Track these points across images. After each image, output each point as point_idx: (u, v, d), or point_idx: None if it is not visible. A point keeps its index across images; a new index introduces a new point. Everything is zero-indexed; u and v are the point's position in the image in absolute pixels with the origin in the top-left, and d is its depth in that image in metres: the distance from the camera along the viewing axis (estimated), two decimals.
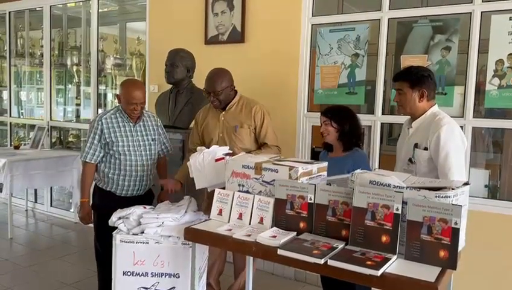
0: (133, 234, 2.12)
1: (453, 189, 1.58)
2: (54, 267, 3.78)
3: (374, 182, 1.67)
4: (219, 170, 2.33)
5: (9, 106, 5.94)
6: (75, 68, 5.56)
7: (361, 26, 3.29)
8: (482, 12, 2.88)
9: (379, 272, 1.45)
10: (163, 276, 2.12)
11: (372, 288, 1.61)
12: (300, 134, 3.52)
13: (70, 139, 5.76)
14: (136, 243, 2.10)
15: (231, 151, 2.51)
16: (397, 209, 1.57)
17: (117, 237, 2.12)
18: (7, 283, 3.42)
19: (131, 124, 2.70)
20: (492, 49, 2.88)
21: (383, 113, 3.27)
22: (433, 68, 2.95)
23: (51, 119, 5.42)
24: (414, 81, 2.29)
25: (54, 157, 4.80)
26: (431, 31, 3.06)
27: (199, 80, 3.33)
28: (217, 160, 2.37)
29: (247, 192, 1.98)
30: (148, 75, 4.37)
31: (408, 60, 3.06)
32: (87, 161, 2.67)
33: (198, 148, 2.47)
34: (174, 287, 2.13)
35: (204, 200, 2.77)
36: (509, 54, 2.83)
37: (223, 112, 2.78)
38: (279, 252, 1.64)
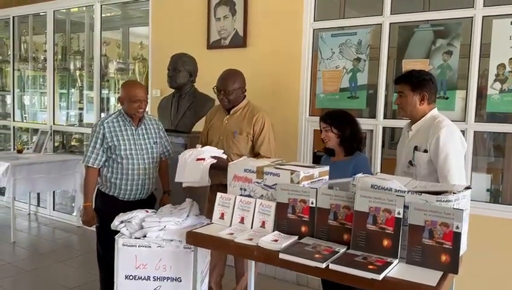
0: (135, 238, 2.12)
1: (454, 193, 1.58)
2: (56, 271, 3.79)
3: (376, 186, 1.68)
4: (195, 170, 2.38)
5: (12, 110, 5.97)
6: (78, 72, 5.59)
7: (363, 31, 3.30)
8: (483, 16, 2.88)
9: (381, 276, 1.45)
10: (165, 280, 2.13)
11: None
12: (302, 138, 3.53)
13: (73, 143, 5.78)
14: (138, 246, 2.11)
15: (220, 155, 2.52)
16: (399, 214, 1.58)
17: (119, 241, 2.13)
18: (10, 287, 3.43)
19: (133, 127, 2.71)
20: (493, 54, 2.88)
21: (384, 117, 3.27)
22: (435, 72, 2.95)
23: (54, 124, 5.44)
24: (415, 84, 2.31)
25: (57, 161, 4.81)
26: (432, 36, 3.06)
27: (201, 85, 3.35)
28: (197, 159, 2.40)
29: (249, 196, 1.98)
30: (150, 79, 4.39)
31: (410, 65, 3.06)
32: (89, 165, 2.67)
33: (197, 145, 2.53)
34: None
35: (206, 204, 2.78)
36: (510, 59, 2.83)
37: (227, 116, 2.79)
38: (281, 256, 1.64)
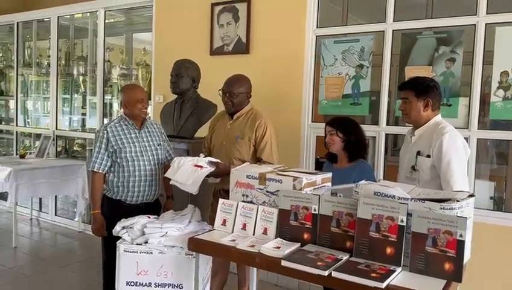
0: (137, 244, 2.11)
1: (458, 201, 1.57)
2: (58, 276, 3.77)
3: (379, 193, 1.67)
4: (189, 172, 2.37)
5: (15, 114, 5.99)
6: (81, 78, 5.61)
7: (366, 38, 3.31)
8: (486, 24, 2.89)
9: (384, 285, 1.44)
10: (167, 286, 2.11)
11: None
12: (304, 144, 3.53)
13: (75, 149, 5.79)
14: (140, 253, 2.10)
15: (219, 161, 2.52)
16: (402, 221, 1.57)
17: (121, 247, 2.12)
18: None
19: (136, 130, 2.72)
20: (496, 61, 2.88)
21: (387, 124, 3.27)
22: (438, 79, 2.94)
23: (56, 129, 5.46)
24: (420, 90, 2.33)
25: (59, 166, 4.81)
26: (435, 43, 3.07)
27: (204, 91, 3.36)
28: (196, 165, 2.39)
29: (251, 202, 1.98)
30: (153, 85, 4.40)
31: (412, 71, 3.06)
32: (95, 170, 2.67)
33: (201, 154, 2.54)
34: None
35: (208, 210, 2.77)
36: None
37: (230, 121, 2.80)
38: (283, 263, 1.63)
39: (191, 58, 3.40)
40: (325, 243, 1.75)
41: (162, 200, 2.88)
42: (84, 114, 5.78)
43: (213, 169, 2.47)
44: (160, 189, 2.82)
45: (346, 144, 2.58)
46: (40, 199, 5.56)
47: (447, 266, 1.49)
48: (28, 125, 6.12)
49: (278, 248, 1.74)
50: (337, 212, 1.74)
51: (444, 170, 2.21)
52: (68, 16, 5.53)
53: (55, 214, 5.43)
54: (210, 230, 2.04)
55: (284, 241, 1.81)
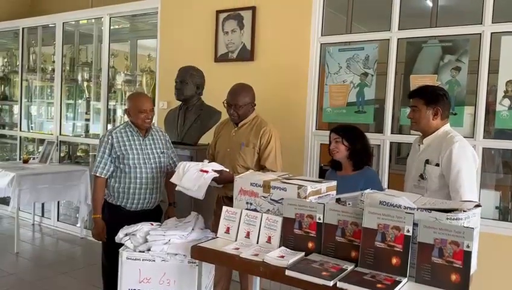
0: (140, 251, 2.10)
1: (464, 211, 1.56)
2: (59, 282, 3.76)
3: (384, 203, 1.65)
4: (195, 178, 2.38)
5: (19, 120, 6.00)
6: (85, 84, 5.62)
7: (370, 46, 3.31)
8: (491, 33, 2.88)
9: None
10: None
11: None
12: (308, 152, 3.51)
13: (78, 154, 5.79)
14: (143, 260, 2.08)
15: (223, 169, 2.52)
16: (408, 231, 1.55)
17: (123, 254, 2.11)
18: None
19: (140, 137, 2.73)
20: (502, 70, 2.87)
21: (392, 133, 3.25)
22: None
23: (60, 134, 5.46)
24: (429, 99, 2.32)
25: (62, 172, 4.81)
26: (440, 51, 3.06)
27: (209, 97, 3.36)
28: (201, 170, 2.39)
29: (255, 210, 1.96)
30: (158, 91, 4.40)
31: (417, 80, 3.06)
32: (97, 174, 2.69)
33: (205, 160, 2.54)
34: None
35: (212, 218, 2.76)
36: None
37: (235, 128, 2.80)
38: (287, 273, 1.61)
39: (195, 65, 3.40)
40: (330, 252, 1.73)
41: (163, 207, 2.88)
42: (88, 120, 5.79)
43: (217, 175, 2.47)
44: (162, 196, 2.82)
45: (351, 153, 2.56)
46: (43, 205, 5.54)
47: (453, 277, 1.46)
48: (31, 131, 6.13)
49: (282, 257, 1.72)
50: (342, 221, 1.72)
51: (454, 179, 2.20)
52: (73, 22, 5.56)
53: (58, 220, 5.42)
54: (213, 238, 2.03)
55: (288, 250, 1.79)
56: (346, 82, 3.40)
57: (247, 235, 1.92)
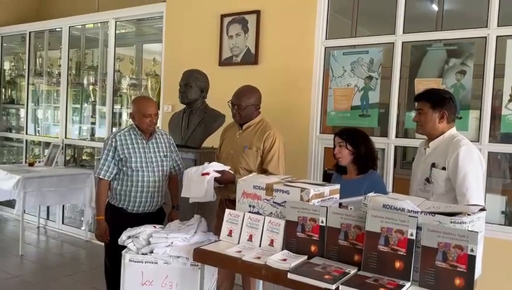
0: (142, 254, 2.10)
1: (468, 215, 1.54)
2: (63, 285, 3.76)
3: (388, 206, 1.64)
4: (200, 184, 2.40)
5: (25, 123, 6.05)
6: (91, 87, 5.65)
7: (375, 50, 3.30)
8: (497, 36, 2.86)
9: None
10: None
11: None
12: (312, 156, 3.50)
13: (84, 157, 5.82)
14: (145, 262, 2.08)
15: (225, 169, 2.52)
16: (411, 235, 1.54)
17: (126, 257, 2.11)
18: None
19: (144, 141, 2.75)
20: (508, 74, 2.85)
21: (396, 136, 3.24)
22: None
23: (65, 137, 5.49)
24: (435, 102, 2.31)
25: (67, 175, 4.83)
26: (445, 55, 3.05)
27: (213, 101, 3.36)
28: (203, 174, 2.40)
29: (258, 213, 1.95)
30: (162, 95, 4.42)
31: (422, 84, 3.04)
32: (101, 177, 2.71)
33: (205, 163, 2.54)
34: None
35: (214, 220, 2.75)
36: None
37: (240, 131, 2.80)
38: (290, 276, 1.60)
39: (200, 68, 3.41)
40: (333, 256, 1.72)
41: (166, 209, 2.88)
42: (93, 123, 5.82)
43: (218, 175, 2.49)
44: (163, 199, 2.82)
45: (355, 157, 2.53)
46: (48, 207, 5.57)
47: (457, 281, 1.45)
48: (37, 134, 6.17)
49: (285, 260, 1.71)
50: (345, 224, 1.71)
51: (460, 183, 2.18)
52: (79, 26, 5.61)
53: (63, 223, 5.44)
54: (216, 241, 2.02)
55: (290, 253, 1.78)
56: (351, 86, 3.39)
57: (250, 238, 1.92)
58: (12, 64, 6.49)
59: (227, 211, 2.03)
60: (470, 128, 2.96)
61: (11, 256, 4.40)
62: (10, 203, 5.22)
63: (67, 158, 5.61)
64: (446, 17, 3.26)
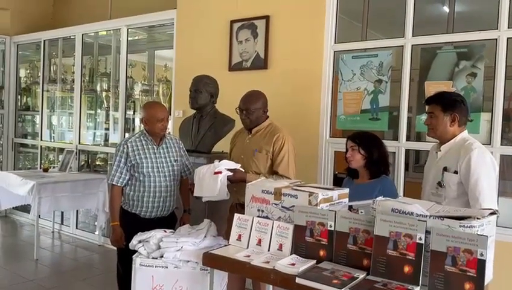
0: (153, 258, 2.12)
1: (478, 219, 1.53)
2: (77, 289, 3.81)
3: (396, 210, 1.64)
4: (213, 183, 2.41)
5: (40, 129, 6.15)
6: (104, 94, 5.73)
7: (384, 53, 3.29)
8: (508, 38, 2.84)
9: None
10: None
11: None
12: (322, 160, 3.50)
13: (97, 163, 5.89)
14: (155, 267, 2.10)
15: (236, 167, 2.55)
16: (420, 239, 1.53)
17: (137, 261, 2.13)
18: None
19: (154, 146, 2.78)
20: None
21: (407, 140, 3.21)
22: None
23: (79, 143, 5.57)
24: (446, 105, 2.29)
25: (81, 180, 4.90)
26: (456, 58, 3.03)
27: (223, 106, 3.38)
28: (215, 173, 2.41)
29: (267, 217, 1.96)
30: (173, 100, 4.46)
31: (432, 86, 3.02)
32: (114, 183, 2.74)
33: (215, 161, 2.57)
34: None
35: (225, 225, 2.77)
36: None
37: (249, 135, 2.83)
38: (298, 280, 1.60)
39: (210, 74, 3.44)
40: (342, 260, 1.72)
41: (178, 213, 2.91)
42: (107, 129, 5.89)
43: (231, 173, 2.51)
44: (176, 203, 2.85)
45: (368, 161, 2.51)
46: (62, 212, 5.65)
47: (467, 286, 1.44)
48: (52, 140, 6.27)
49: (293, 264, 1.71)
50: (354, 229, 1.70)
51: (473, 187, 2.16)
52: (92, 34, 5.69)
53: (77, 227, 5.51)
54: (225, 245, 2.03)
55: (299, 258, 1.78)
56: (360, 89, 3.38)
57: (259, 243, 1.92)
58: (28, 71, 6.61)
59: (236, 215, 2.04)
60: (481, 131, 2.93)
61: (27, 260, 4.48)
62: (26, 209, 5.32)
63: (81, 163, 5.69)
64: (456, 19, 3.23)
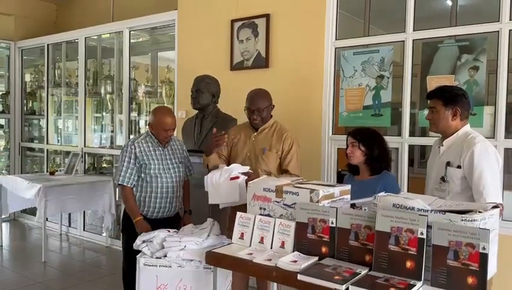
0: (156, 258, 2.13)
1: (480, 212, 1.52)
2: None
3: (398, 205, 1.63)
4: (233, 189, 2.41)
5: (46, 133, 6.20)
6: (108, 96, 5.75)
7: (386, 48, 3.27)
8: (510, 30, 2.81)
9: None
10: None
11: None
12: (325, 157, 3.49)
13: (103, 165, 5.93)
14: (159, 266, 2.12)
15: (247, 171, 2.54)
16: (422, 234, 1.52)
17: (141, 261, 2.15)
18: None
19: (160, 148, 2.80)
20: None
21: (410, 135, 3.20)
22: None
23: (85, 146, 5.61)
24: (447, 99, 2.28)
25: (87, 182, 4.94)
26: (457, 51, 3.00)
27: (225, 105, 3.39)
28: (231, 178, 2.42)
29: (269, 215, 1.97)
30: (176, 101, 4.48)
31: (434, 81, 3.00)
32: (124, 184, 2.71)
33: (220, 165, 2.57)
34: None
35: (227, 223, 2.77)
36: None
37: (255, 133, 2.82)
38: (299, 277, 1.61)
39: (212, 74, 3.45)
40: (344, 256, 1.72)
41: (182, 213, 2.92)
42: (112, 131, 5.92)
43: (246, 177, 2.51)
44: (181, 203, 2.87)
45: (368, 158, 2.50)
46: (69, 215, 5.69)
47: (470, 280, 1.43)
48: (58, 143, 6.31)
49: (295, 261, 1.72)
50: (355, 225, 1.71)
51: (476, 181, 2.15)
52: (95, 37, 5.71)
53: (84, 229, 5.55)
54: (228, 244, 2.04)
55: (301, 255, 1.79)
56: (362, 85, 3.37)
57: (261, 241, 1.93)
58: (33, 76, 6.66)
59: (238, 214, 2.05)
60: (484, 124, 2.91)
61: (35, 263, 4.52)
62: (34, 212, 5.34)
63: (87, 166, 5.72)
64: (460, 12, 3.20)
